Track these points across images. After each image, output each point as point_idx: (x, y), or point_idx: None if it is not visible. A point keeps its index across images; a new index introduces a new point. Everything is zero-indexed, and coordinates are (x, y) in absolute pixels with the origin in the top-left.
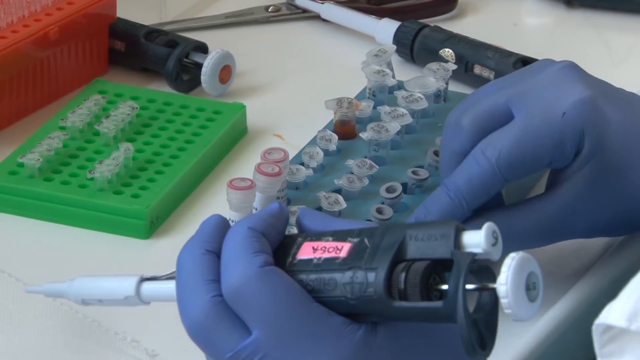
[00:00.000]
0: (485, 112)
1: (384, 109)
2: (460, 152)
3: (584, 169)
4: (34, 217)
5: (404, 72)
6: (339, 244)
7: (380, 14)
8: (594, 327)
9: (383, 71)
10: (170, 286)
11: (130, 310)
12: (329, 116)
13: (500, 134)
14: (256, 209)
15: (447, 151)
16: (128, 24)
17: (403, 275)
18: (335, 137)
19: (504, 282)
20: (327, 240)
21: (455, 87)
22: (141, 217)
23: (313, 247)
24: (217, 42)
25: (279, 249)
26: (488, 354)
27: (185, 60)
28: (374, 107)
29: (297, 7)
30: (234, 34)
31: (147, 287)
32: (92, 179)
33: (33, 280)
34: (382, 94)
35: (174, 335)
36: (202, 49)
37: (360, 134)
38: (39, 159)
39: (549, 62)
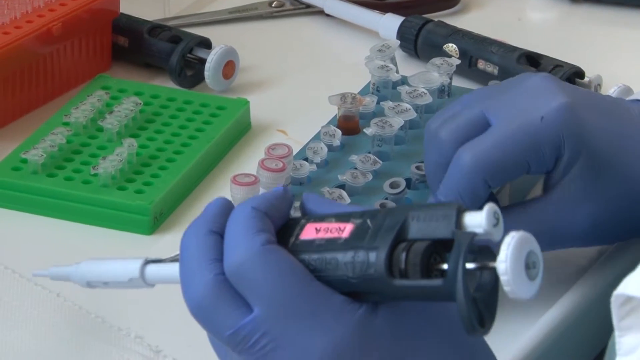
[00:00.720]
0: (463, 122)
1: (388, 104)
2: (443, 162)
3: (572, 173)
4: (37, 213)
5: (407, 67)
6: (342, 225)
7: (383, 9)
8: (612, 299)
9: (387, 66)
10: (174, 268)
11: (134, 306)
12: (332, 111)
13: (478, 139)
14: None
15: (430, 163)
16: (131, 19)
17: (404, 254)
18: (339, 132)
19: (504, 260)
20: (330, 222)
21: (459, 82)
22: (145, 213)
23: (316, 228)
24: (220, 37)
25: (283, 230)
26: (487, 332)
27: (188, 55)
28: (378, 102)
29: (300, 2)
30: (238, 30)
31: (152, 269)
32: (95, 174)
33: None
34: (386, 89)
35: (178, 331)
36: (206, 44)
37: (364, 130)
38: (42, 155)
39: (527, 75)
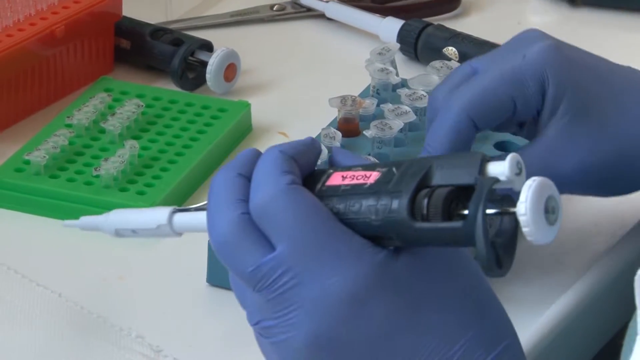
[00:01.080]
0: (453, 77)
1: (388, 106)
2: (435, 117)
3: (559, 111)
4: (40, 214)
5: (407, 70)
6: (368, 173)
7: (384, 12)
8: (636, 278)
9: (387, 69)
10: (201, 216)
11: (135, 306)
12: (333, 114)
13: (465, 84)
14: None
15: (427, 122)
16: (134, 22)
17: (426, 200)
18: (339, 134)
19: (524, 200)
20: (357, 170)
21: None
22: None
23: (342, 176)
24: (222, 40)
25: (310, 178)
26: (505, 273)
27: (190, 58)
28: (378, 105)
29: (301, 6)
30: (239, 33)
31: (180, 216)
32: (97, 176)
33: (38, 277)
34: (386, 91)
35: (179, 331)
36: (208, 47)
37: (364, 132)
38: (45, 157)
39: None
